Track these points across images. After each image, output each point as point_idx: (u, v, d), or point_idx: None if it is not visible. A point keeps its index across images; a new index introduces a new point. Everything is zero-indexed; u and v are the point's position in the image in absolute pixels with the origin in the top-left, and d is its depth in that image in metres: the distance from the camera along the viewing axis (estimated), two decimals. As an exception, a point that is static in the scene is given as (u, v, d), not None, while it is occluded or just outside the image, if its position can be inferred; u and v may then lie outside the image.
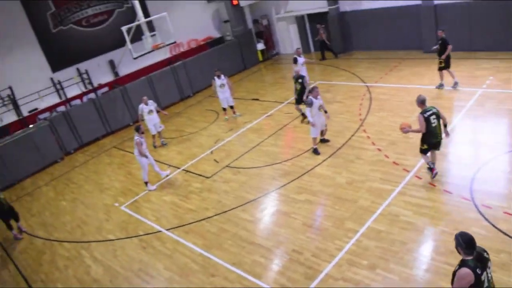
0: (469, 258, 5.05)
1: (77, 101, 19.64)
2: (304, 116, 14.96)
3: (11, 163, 16.36)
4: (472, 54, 17.15)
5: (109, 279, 9.67)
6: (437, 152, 10.15)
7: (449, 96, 14.31)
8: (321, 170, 11.82)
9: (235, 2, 23.37)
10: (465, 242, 5.06)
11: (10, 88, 17.40)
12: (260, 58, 25.56)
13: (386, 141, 12.37)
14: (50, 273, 10.50)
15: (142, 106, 15.55)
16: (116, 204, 13.01)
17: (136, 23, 17.61)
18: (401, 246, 8.23)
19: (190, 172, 13.77)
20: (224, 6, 23.99)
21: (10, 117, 17.85)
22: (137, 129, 12.90)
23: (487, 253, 5.24)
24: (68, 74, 19.39)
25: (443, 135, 9.85)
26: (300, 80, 14.72)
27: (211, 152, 14.76)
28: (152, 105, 15.74)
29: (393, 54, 19.92)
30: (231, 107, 17.32)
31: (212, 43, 24.47)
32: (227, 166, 13.50)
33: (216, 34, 25.15)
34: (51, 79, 18.97)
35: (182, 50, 23.46)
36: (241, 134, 15.72)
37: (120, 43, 18.88)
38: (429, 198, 9.47)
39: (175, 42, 19.38)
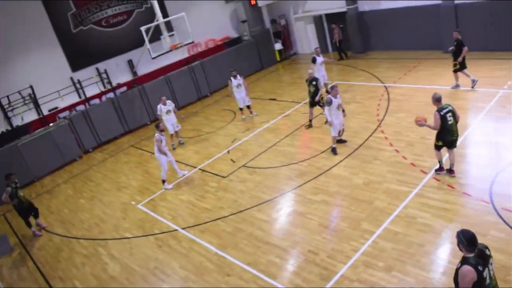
0: (471, 255, 5.08)
1: (96, 101, 19.87)
2: (311, 122, 14.96)
3: (31, 160, 16.61)
4: (493, 54, 16.88)
5: (125, 277, 9.75)
6: (456, 153, 10.02)
7: (470, 97, 14.10)
8: (338, 171, 11.75)
9: (253, 2, 23.34)
10: (466, 240, 5.09)
11: (31, 87, 17.66)
12: (278, 58, 25.52)
13: (404, 142, 12.24)
14: (67, 270, 10.63)
15: (160, 106, 15.68)
16: (133, 203, 13.12)
17: (155, 23, 17.76)
18: (418, 248, 8.14)
19: (206, 171, 13.81)
20: (242, 6, 24.04)
21: (31, 116, 18.16)
22: (157, 126, 13.10)
23: (489, 250, 5.26)
24: (87, 73, 19.67)
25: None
26: (314, 83, 14.49)
27: (228, 152, 14.79)
28: (170, 105, 15.86)
29: (413, 54, 19.71)
30: (248, 107, 17.33)
31: (230, 43, 24.53)
32: (243, 165, 13.51)
33: (233, 34, 25.21)
34: (71, 78, 19.24)
35: (199, 50, 23.58)
36: (257, 134, 15.71)
37: (139, 43, 19.08)
38: (447, 200, 9.33)
39: (193, 42, 19.47)
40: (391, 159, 11.57)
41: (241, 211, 11.04)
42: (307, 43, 25.50)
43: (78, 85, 19.36)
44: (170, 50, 18.29)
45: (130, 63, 21.03)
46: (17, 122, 17.70)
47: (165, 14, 19.83)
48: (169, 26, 18.77)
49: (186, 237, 10.63)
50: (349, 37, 22.43)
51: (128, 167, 16.03)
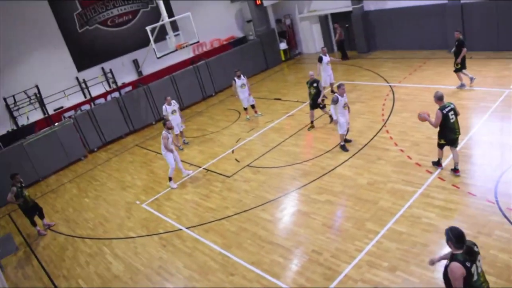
0: (459, 252, 5.19)
1: (101, 100, 19.93)
2: (312, 124, 14.90)
3: (36, 160, 16.68)
4: (499, 54, 16.79)
5: (129, 276, 9.76)
6: (461, 153, 9.98)
7: (475, 96, 14.01)
8: (342, 171, 11.72)
9: (258, 2, 23.32)
10: (455, 237, 5.20)
11: (37, 87, 17.72)
12: (283, 57, 25.50)
13: (409, 142, 12.19)
14: (72, 269, 10.66)
15: (165, 106, 15.70)
16: (138, 202, 13.14)
17: (160, 23, 17.79)
18: (423, 248, 8.10)
19: (211, 171, 13.82)
20: (247, 5, 24.05)
21: (36, 115, 18.23)
22: (164, 124, 13.19)
23: (477, 247, 5.35)
24: (93, 73, 19.73)
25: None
26: (315, 84, 14.35)
27: (232, 151, 14.78)
28: (175, 105, 15.88)
29: (418, 54, 19.63)
30: (253, 106, 17.34)
31: (235, 42, 24.54)
32: (247, 165, 13.50)
33: (239, 34, 25.22)
34: (76, 78, 19.31)
35: (205, 49, 23.61)
36: (262, 133, 15.70)
37: (144, 42, 19.14)
38: (452, 200, 9.28)
39: (198, 42, 19.45)
40: (396, 159, 11.52)
41: (245, 211, 11.03)
42: (312, 43, 25.48)
43: (83, 85, 19.42)
44: (176, 50, 18.30)
45: (136, 62, 21.07)
46: (22, 121, 17.79)
47: (170, 14, 19.89)
48: (174, 26, 18.82)
49: (190, 236, 10.64)
50: (354, 37, 22.38)
51: (133, 167, 16.06)
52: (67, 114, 18.93)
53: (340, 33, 21.93)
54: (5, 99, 17.18)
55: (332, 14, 23.52)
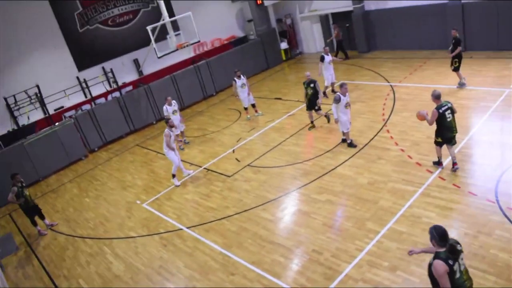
0: (442, 250, 5.32)
1: (102, 100, 19.94)
2: (313, 123, 14.88)
3: (36, 160, 16.69)
4: (499, 54, 16.78)
5: (130, 276, 9.77)
6: (461, 153, 9.98)
7: (475, 96, 14.00)
8: (342, 170, 11.72)
9: (259, 2, 23.32)
10: (438, 235, 5.33)
11: (37, 86, 17.72)
12: (284, 57, 25.49)
13: (410, 142, 12.19)
14: (72, 269, 10.67)
15: (166, 107, 15.70)
16: (138, 202, 13.14)
17: (161, 22, 17.81)
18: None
19: (211, 170, 13.82)
20: (248, 5, 24.05)
21: (37, 115, 18.25)
22: (167, 122, 13.31)
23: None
24: (93, 73, 19.74)
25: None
26: (312, 85, 14.26)
27: (233, 151, 14.79)
28: (175, 105, 15.89)
29: (418, 53, 19.62)
30: (253, 105, 17.35)
31: (236, 42, 24.55)
32: (248, 165, 13.50)
33: (239, 33, 25.22)
34: (77, 77, 19.31)
35: (205, 49, 23.62)
36: (263, 133, 15.70)
37: (145, 42, 19.15)
38: (453, 199, 9.28)
39: (199, 41, 19.44)
40: (396, 159, 11.52)
41: (245, 210, 11.04)
42: (313, 42, 25.48)
43: (84, 85, 19.43)
44: (176, 50, 18.32)
45: (136, 62, 21.07)
46: (23, 121, 17.81)
47: (171, 14, 19.88)
48: (175, 26, 18.83)
49: (191, 236, 10.64)
50: (355, 36, 22.38)
51: (134, 166, 16.06)
52: (67, 114, 18.95)
53: (338, 33, 21.90)
54: (5, 99, 17.19)
55: (333, 14, 23.50)
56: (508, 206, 8.59)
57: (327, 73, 16.86)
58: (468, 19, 17.58)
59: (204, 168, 14.12)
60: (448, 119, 9.66)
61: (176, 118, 15.70)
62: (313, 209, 10.30)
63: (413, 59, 19.25)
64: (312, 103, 14.43)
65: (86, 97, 19.66)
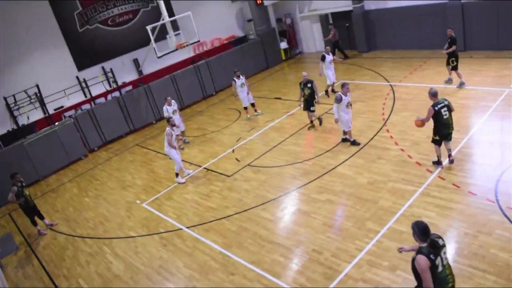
0: (424, 245, 5.45)
1: (102, 99, 19.93)
2: (312, 123, 14.86)
3: (36, 159, 16.67)
4: (499, 53, 16.78)
5: (129, 276, 9.76)
6: (461, 153, 10.00)
7: (475, 96, 14.00)
8: (342, 170, 11.72)
9: (259, 1, 23.32)
10: (419, 230, 5.46)
11: (37, 86, 17.71)
12: (283, 57, 25.49)
13: (409, 141, 12.19)
14: (72, 268, 10.66)
15: (166, 107, 15.70)
16: (138, 202, 13.14)
17: (161, 22, 17.81)
18: (423, 247, 8.09)
19: (211, 170, 13.81)
20: (247, 5, 24.05)
21: (37, 115, 18.24)
22: (168, 121, 13.33)
23: (443, 240, 5.61)
24: (93, 72, 19.73)
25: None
26: (309, 85, 14.24)
27: (233, 151, 14.78)
28: (175, 105, 15.90)
29: (418, 53, 19.62)
30: (253, 105, 17.36)
31: (236, 42, 24.54)
32: (248, 165, 13.50)
33: (239, 33, 25.22)
34: (77, 77, 19.30)
35: (205, 49, 23.62)
36: (262, 133, 15.69)
37: (144, 42, 19.14)
38: (452, 199, 9.28)
39: (198, 41, 19.43)
40: (396, 158, 11.52)
41: (245, 210, 11.03)
42: (313, 42, 25.49)
43: (83, 84, 19.42)
44: (176, 49, 18.31)
45: (136, 62, 21.07)
46: (23, 121, 17.80)
47: (171, 13, 19.88)
48: (175, 25, 18.82)
49: (190, 236, 10.64)
50: (355, 36, 22.38)
51: (133, 166, 16.06)
52: (67, 114, 18.94)
53: (334, 34, 21.88)
54: (5, 99, 17.18)
55: (333, 14, 23.49)
56: (508, 205, 8.58)
57: (329, 72, 16.88)
58: (468, 18, 17.58)
59: (204, 168, 14.12)
60: (445, 116, 9.81)
61: (176, 118, 15.70)
62: (313, 209, 10.30)
63: (413, 58, 19.25)
64: (309, 103, 14.43)
65: (86, 96, 19.65)
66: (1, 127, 17.33)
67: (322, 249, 8.83)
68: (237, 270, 8.94)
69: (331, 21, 23.59)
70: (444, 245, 5.56)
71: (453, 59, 14.67)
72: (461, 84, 14.77)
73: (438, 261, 5.40)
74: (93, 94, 19.77)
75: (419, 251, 5.44)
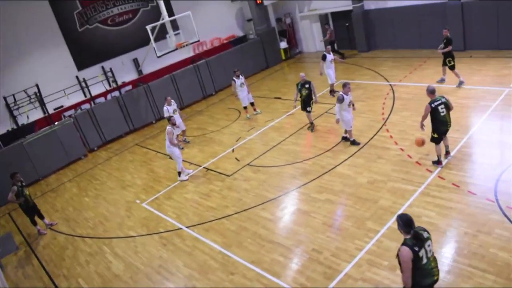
0: (408, 237, 5.60)
1: (101, 99, 19.92)
2: (312, 124, 14.84)
3: (36, 159, 16.67)
4: (499, 53, 16.78)
5: (129, 275, 9.76)
6: (460, 152, 10.02)
7: (475, 95, 14.00)
8: (342, 170, 11.72)
9: (258, 1, 23.30)
10: (403, 222, 5.63)
11: (37, 86, 17.70)
12: (283, 56, 25.48)
13: (409, 141, 12.17)
14: (72, 268, 10.66)
15: (166, 107, 15.71)
16: (138, 201, 13.14)
17: (161, 22, 17.81)
18: (423, 247, 8.09)
19: (211, 170, 13.81)
20: (247, 4, 24.03)
21: (36, 115, 18.23)
22: (169, 120, 13.40)
23: (428, 233, 5.75)
24: (93, 72, 19.72)
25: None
26: (307, 86, 14.22)
27: (233, 151, 14.78)
28: (174, 104, 15.92)
29: (418, 53, 19.61)
30: (252, 104, 17.36)
31: (235, 41, 24.52)
32: (248, 164, 13.50)
33: (239, 33, 25.21)
34: (77, 77, 19.29)
35: (205, 48, 23.61)
36: (262, 132, 15.69)
37: (144, 41, 19.15)
38: (452, 199, 9.28)
39: (198, 41, 19.43)
40: (396, 158, 11.52)
41: (245, 210, 11.03)
42: (312, 41, 25.47)
43: (83, 84, 19.41)
44: (176, 49, 18.31)
45: (136, 61, 21.06)
46: (22, 120, 17.78)
47: (170, 13, 19.88)
48: (174, 25, 18.82)
49: (190, 235, 10.64)
50: (354, 36, 22.36)
51: (133, 166, 16.06)
52: (67, 113, 18.93)
53: (331, 34, 21.88)
54: (5, 98, 17.18)
55: (332, 13, 23.48)
56: (507, 205, 8.59)
57: (330, 71, 16.88)
58: (467, 18, 17.58)
59: (204, 167, 14.12)
60: (442, 114, 9.90)
61: (177, 118, 15.70)
62: (312, 209, 10.30)
63: (413, 58, 19.25)
64: (305, 104, 14.43)
65: (85, 96, 19.64)
66: (1, 127, 17.32)
67: (322, 248, 8.83)
68: (236, 269, 8.94)
69: (330, 21, 23.60)
70: (428, 238, 5.66)
71: (450, 59, 14.72)
72: (460, 83, 14.78)
73: (422, 253, 5.51)
74: (93, 94, 19.76)
75: (403, 242, 5.58)
